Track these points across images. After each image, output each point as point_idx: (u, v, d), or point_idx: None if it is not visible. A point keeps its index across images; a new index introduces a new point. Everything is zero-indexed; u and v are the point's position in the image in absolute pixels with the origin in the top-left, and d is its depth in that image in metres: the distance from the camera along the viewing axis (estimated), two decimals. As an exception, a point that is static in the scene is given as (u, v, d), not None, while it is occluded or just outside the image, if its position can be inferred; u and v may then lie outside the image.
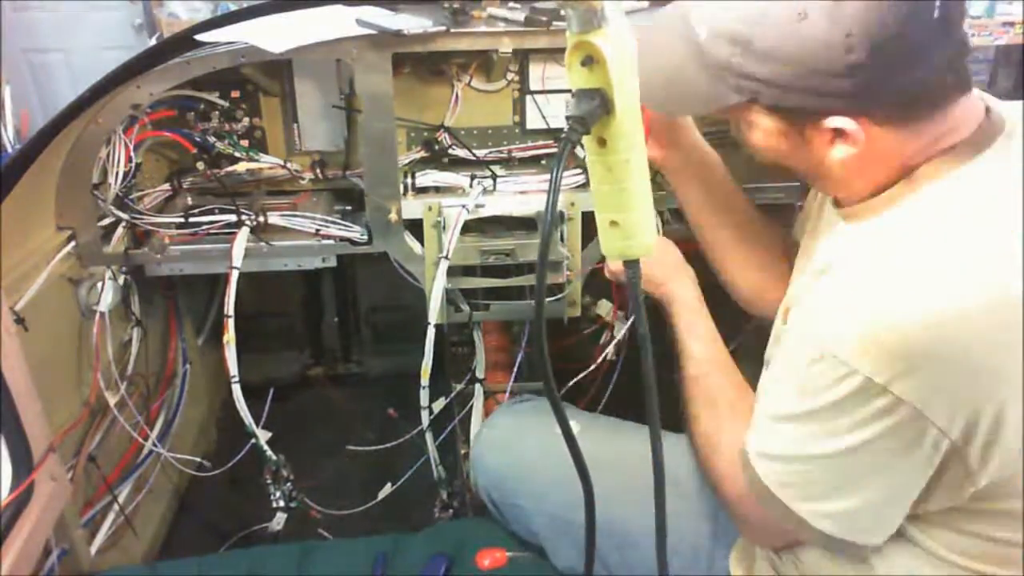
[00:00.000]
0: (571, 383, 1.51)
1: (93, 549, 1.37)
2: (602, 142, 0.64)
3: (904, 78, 0.74)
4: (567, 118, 0.61)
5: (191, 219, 1.37)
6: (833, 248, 0.88)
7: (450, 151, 1.47)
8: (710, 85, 0.82)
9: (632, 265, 0.68)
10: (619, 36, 0.59)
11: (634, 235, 0.67)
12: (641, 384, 0.70)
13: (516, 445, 1.23)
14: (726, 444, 0.96)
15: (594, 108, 0.60)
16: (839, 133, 0.78)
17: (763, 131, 0.84)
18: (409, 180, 1.42)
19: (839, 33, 0.72)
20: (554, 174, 0.62)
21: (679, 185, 1.21)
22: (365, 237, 1.40)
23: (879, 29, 0.71)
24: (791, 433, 0.82)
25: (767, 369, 0.95)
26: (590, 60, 0.60)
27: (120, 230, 1.37)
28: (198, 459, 1.72)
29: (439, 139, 1.46)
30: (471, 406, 1.55)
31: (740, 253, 1.20)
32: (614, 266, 1.21)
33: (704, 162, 1.19)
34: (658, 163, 1.18)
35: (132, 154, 1.32)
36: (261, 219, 1.37)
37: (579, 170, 1.43)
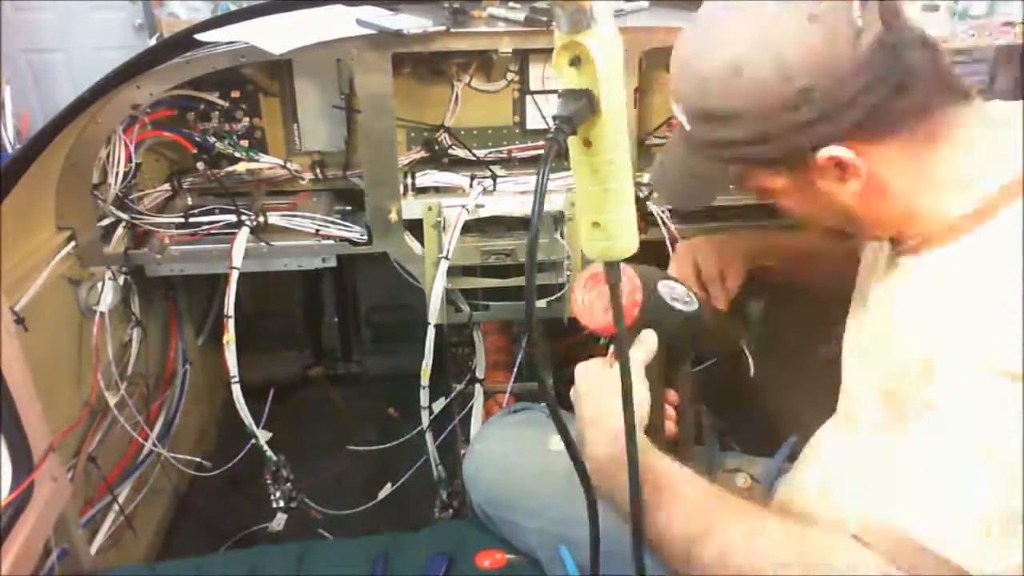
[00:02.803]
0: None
1: (93, 549, 1.37)
2: (587, 143, 0.64)
3: (855, 87, 0.73)
4: (554, 118, 0.61)
5: (191, 219, 1.37)
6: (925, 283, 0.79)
7: (450, 151, 1.47)
8: (712, 168, 0.83)
9: (613, 267, 0.68)
10: (607, 37, 0.59)
11: (615, 236, 0.67)
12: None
13: (509, 461, 1.21)
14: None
15: (580, 108, 0.60)
16: (839, 166, 0.76)
17: (781, 192, 0.83)
18: (409, 180, 1.42)
19: (773, 71, 0.72)
20: (540, 174, 0.61)
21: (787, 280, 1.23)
22: (365, 237, 1.40)
23: (805, 53, 0.72)
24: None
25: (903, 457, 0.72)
26: (578, 60, 0.60)
27: (120, 230, 1.37)
28: (198, 459, 1.72)
29: (439, 139, 1.46)
30: (471, 406, 1.55)
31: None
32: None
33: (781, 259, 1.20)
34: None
35: (132, 154, 1.32)
36: (261, 219, 1.37)
37: (578, 170, 1.43)
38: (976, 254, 0.75)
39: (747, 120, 0.76)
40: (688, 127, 0.83)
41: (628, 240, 0.68)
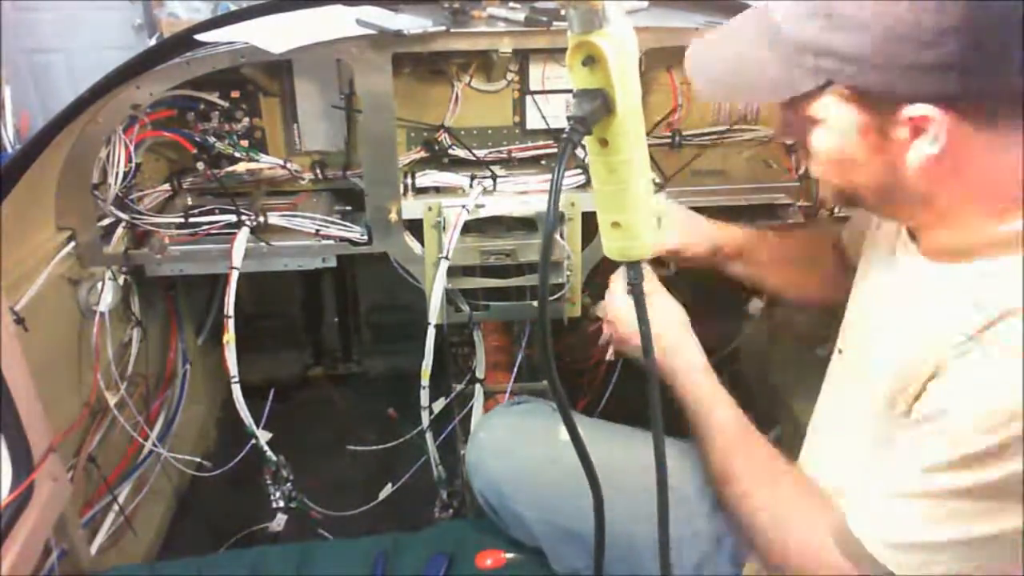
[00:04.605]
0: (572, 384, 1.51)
1: (93, 549, 1.37)
2: (604, 143, 0.64)
3: (1002, 60, 0.66)
4: (568, 119, 0.60)
5: (191, 219, 1.37)
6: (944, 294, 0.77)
7: (450, 151, 1.47)
8: (784, 70, 0.75)
9: (634, 266, 0.68)
10: (620, 36, 0.59)
11: (636, 235, 0.67)
12: (641, 385, 0.70)
13: (515, 451, 1.20)
14: (801, 524, 0.88)
15: (595, 108, 0.60)
16: (919, 128, 0.71)
17: (835, 127, 0.76)
18: (409, 180, 1.42)
19: None
20: (555, 175, 0.61)
21: (723, 270, 1.24)
22: (365, 237, 1.40)
23: None
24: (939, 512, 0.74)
25: (879, 446, 0.83)
26: (591, 60, 0.60)
27: (120, 230, 1.37)
28: (198, 459, 1.72)
29: (439, 139, 1.46)
30: (471, 406, 1.55)
31: (783, 275, 1.22)
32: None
33: (726, 242, 1.21)
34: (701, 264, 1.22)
35: (132, 154, 1.32)
36: (261, 219, 1.37)
37: (579, 170, 1.43)
38: (988, 280, 0.72)
39: (868, 34, 0.69)
40: (781, 15, 0.75)
41: (648, 238, 0.67)
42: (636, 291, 0.68)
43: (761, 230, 1.25)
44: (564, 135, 0.60)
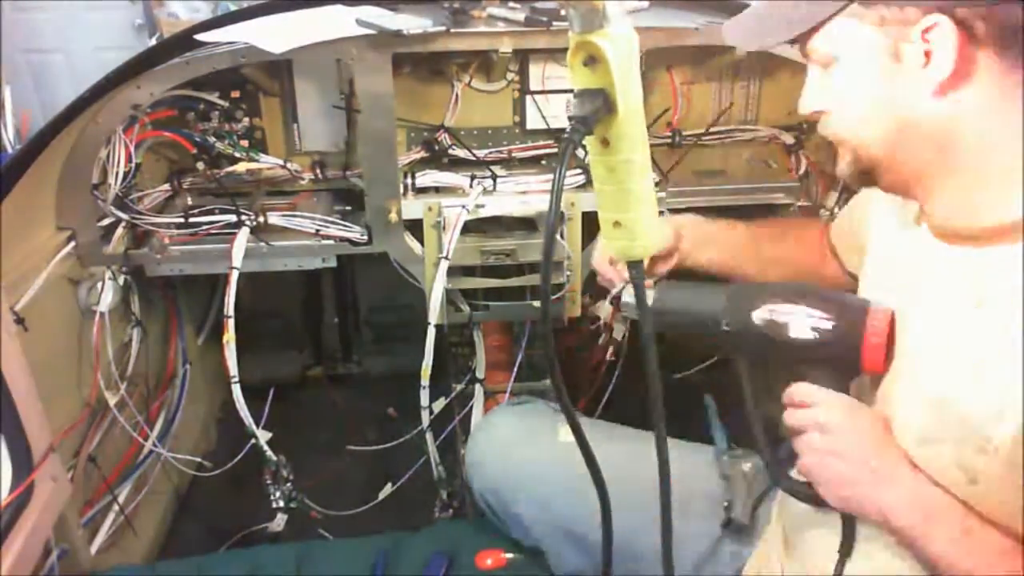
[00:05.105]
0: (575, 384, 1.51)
1: (93, 549, 1.37)
2: (605, 142, 0.63)
3: None
4: (569, 119, 0.60)
5: (191, 219, 1.37)
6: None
7: (450, 151, 1.47)
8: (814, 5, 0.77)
9: (636, 265, 0.68)
10: (621, 36, 0.59)
11: (637, 235, 0.67)
12: (641, 385, 0.70)
13: (514, 452, 1.20)
14: None
15: (597, 108, 0.60)
16: (930, 52, 0.71)
17: (853, 57, 0.77)
18: (409, 180, 1.42)
19: None
20: (557, 175, 0.61)
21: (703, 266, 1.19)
22: (365, 237, 1.40)
23: None
24: None
25: None
26: (592, 60, 0.60)
27: (120, 230, 1.37)
28: (198, 459, 1.72)
29: (439, 139, 1.46)
30: (471, 406, 1.55)
31: (771, 270, 1.17)
32: (601, 268, 1.15)
33: (709, 236, 1.17)
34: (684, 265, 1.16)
35: (132, 154, 1.32)
36: (261, 219, 1.37)
37: (579, 170, 1.43)
38: None
39: None
40: None
41: (650, 238, 0.67)
42: (639, 291, 0.68)
43: (748, 228, 1.21)
44: (565, 135, 0.60)
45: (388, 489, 1.61)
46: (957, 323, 0.77)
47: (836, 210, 1.49)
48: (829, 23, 0.77)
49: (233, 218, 1.37)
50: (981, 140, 0.74)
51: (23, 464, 1.12)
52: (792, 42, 0.81)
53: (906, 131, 0.76)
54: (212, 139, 1.42)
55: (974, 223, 0.76)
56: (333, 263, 1.45)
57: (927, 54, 0.72)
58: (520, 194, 1.44)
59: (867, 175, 0.82)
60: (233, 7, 2.44)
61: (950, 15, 0.70)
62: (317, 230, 1.39)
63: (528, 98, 1.46)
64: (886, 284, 0.90)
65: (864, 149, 0.80)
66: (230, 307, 1.33)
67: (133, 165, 1.33)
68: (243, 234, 1.36)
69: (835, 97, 0.80)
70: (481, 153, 1.48)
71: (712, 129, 1.52)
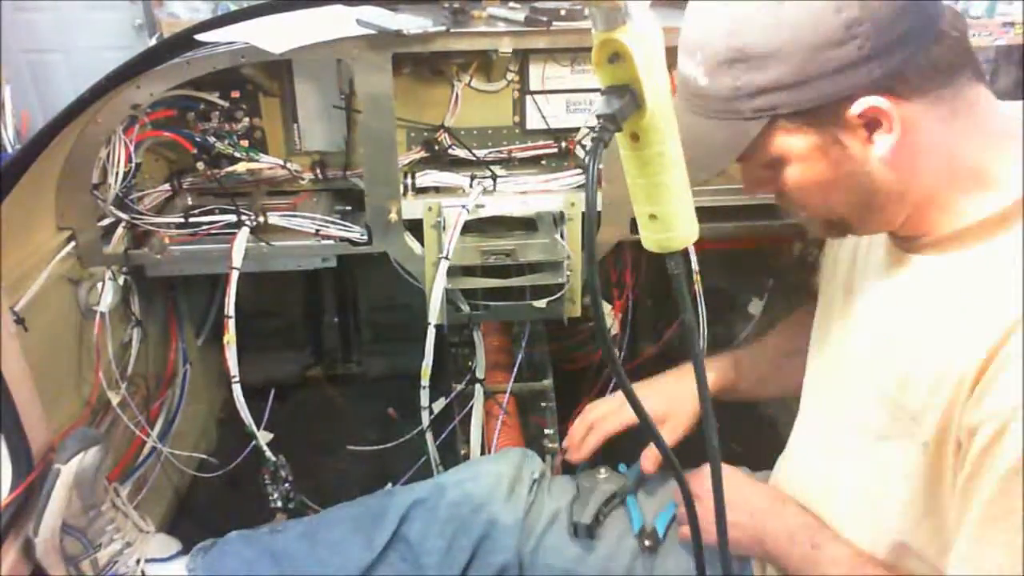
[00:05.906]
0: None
1: (93, 549, 1.37)
2: (635, 137, 0.64)
3: (900, 28, 0.70)
4: (597, 117, 0.61)
5: (191, 219, 1.37)
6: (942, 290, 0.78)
7: (450, 151, 1.47)
8: (729, 127, 0.78)
9: (674, 256, 0.68)
10: (644, 31, 0.60)
11: (673, 227, 0.67)
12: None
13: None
14: None
15: (624, 104, 0.61)
16: (872, 123, 0.74)
17: (797, 159, 0.78)
18: (409, 180, 1.42)
19: None
20: (589, 173, 0.62)
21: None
22: (365, 237, 1.40)
23: None
24: None
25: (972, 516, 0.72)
26: (616, 57, 0.60)
27: (120, 230, 1.37)
28: (201, 456, 1.73)
29: (439, 139, 1.46)
30: (471, 406, 1.55)
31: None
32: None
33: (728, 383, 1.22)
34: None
35: (132, 154, 1.32)
36: (261, 219, 1.37)
37: (578, 170, 1.43)
38: (1005, 261, 0.72)
39: (785, 58, 0.72)
40: (704, 80, 0.78)
41: (687, 228, 0.68)
42: (677, 283, 0.68)
43: (756, 342, 1.26)
44: (594, 133, 0.61)
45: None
46: (899, 323, 0.82)
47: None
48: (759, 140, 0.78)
49: (233, 218, 1.37)
50: (935, 164, 0.76)
51: (23, 464, 1.13)
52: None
53: (869, 192, 0.78)
54: (212, 139, 1.42)
55: (933, 231, 0.79)
56: (333, 263, 1.45)
57: (867, 134, 0.74)
58: (520, 194, 1.44)
59: (839, 228, 0.85)
60: (233, 7, 2.44)
61: (870, 85, 0.72)
62: (317, 230, 1.39)
63: (528, 98, 1.46)
64: (845, 286, 0.94)
65: (831, 214, 0.83)
66: (230, 307, 1.33)
67: (133, 165, 1.33)
68: (243, 234, 1.36)
69: (792, 189, 0.82)
70: (481, 153, 1.48)
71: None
